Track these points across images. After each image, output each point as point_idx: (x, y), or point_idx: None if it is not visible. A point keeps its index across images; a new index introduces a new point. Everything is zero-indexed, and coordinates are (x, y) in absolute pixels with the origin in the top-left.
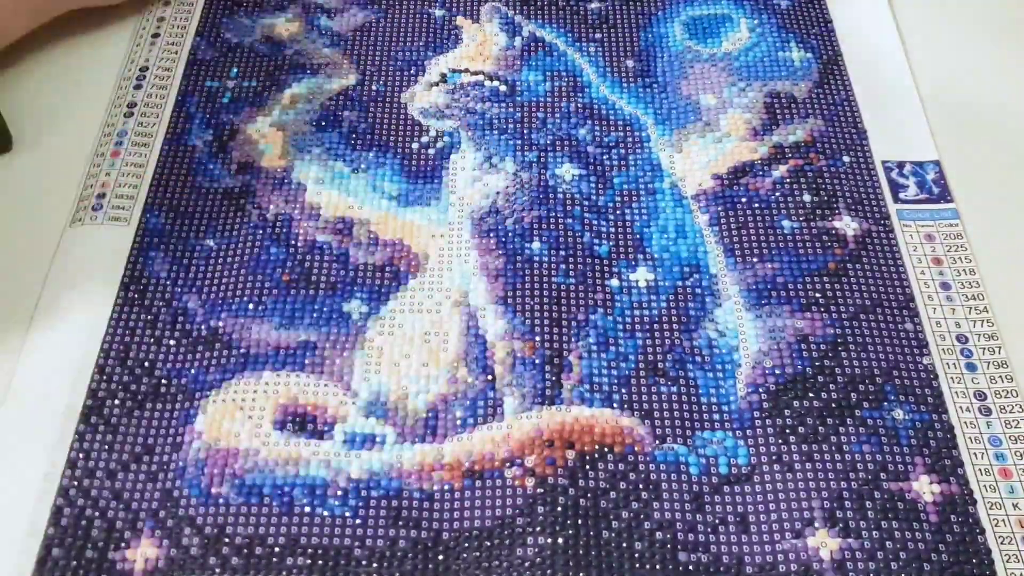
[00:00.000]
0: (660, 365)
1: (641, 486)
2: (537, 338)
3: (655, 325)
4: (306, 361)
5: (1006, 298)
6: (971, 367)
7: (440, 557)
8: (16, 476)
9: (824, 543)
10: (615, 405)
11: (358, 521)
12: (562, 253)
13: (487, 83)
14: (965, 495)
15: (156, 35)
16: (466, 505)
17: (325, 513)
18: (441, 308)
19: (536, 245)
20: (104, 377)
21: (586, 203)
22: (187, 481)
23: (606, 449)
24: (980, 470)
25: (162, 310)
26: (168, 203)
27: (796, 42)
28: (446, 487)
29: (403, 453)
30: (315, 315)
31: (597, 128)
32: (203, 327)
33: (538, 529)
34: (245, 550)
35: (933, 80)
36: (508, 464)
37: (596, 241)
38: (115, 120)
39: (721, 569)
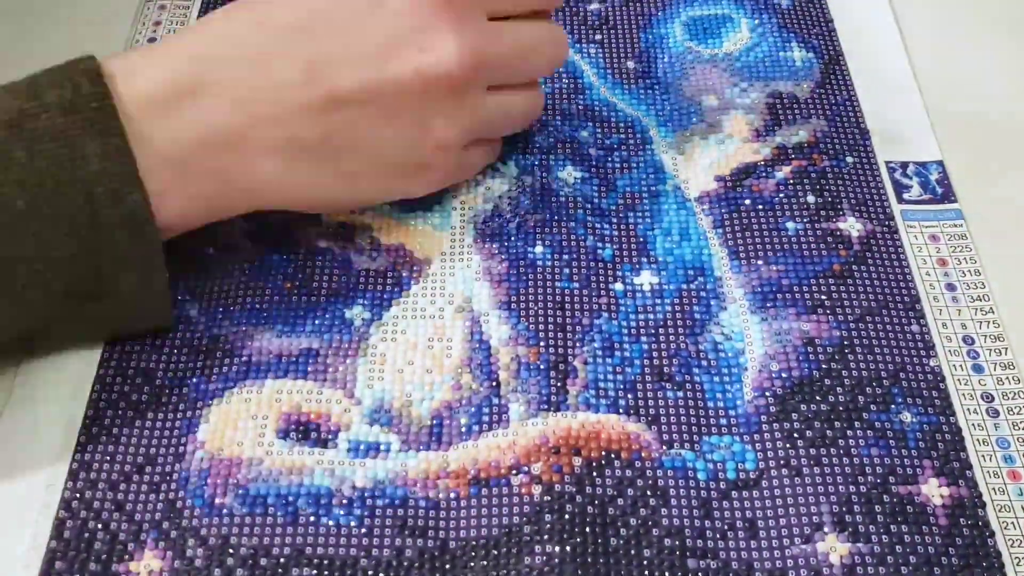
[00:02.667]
0: (666, 370)
1: (649, 492)
2: (541, 343)
3: (660, 329)
4: (308, 368)
5: (1012, 298)
6: (978, 368)
7: (447, 566)
8: (17, 489)
9: (833, 548)
10: (621, 410)
11: (363, 530)
12: (565, 257)
13: None
14: (974, 498)
15: (152, 39)
16: (472, 513)
17: (330, 522)
18: (444, 313)
19: (539, 249)
20: (104, 387)
21: (589, 206)
22: (190, 491)
23: (613, 455)
24: (989, 472)
25: None
26: None
27: (797, 42)
28: (452, 495)
29: (408, 461)
30: (317, 322)
31: (599, 130)
32: (204, 335)
33: (545, 537)
34: (250, 561)
35: (935, 79)
36: (514, 471)
37: (599, 245)
38: None
39: (731, 575)
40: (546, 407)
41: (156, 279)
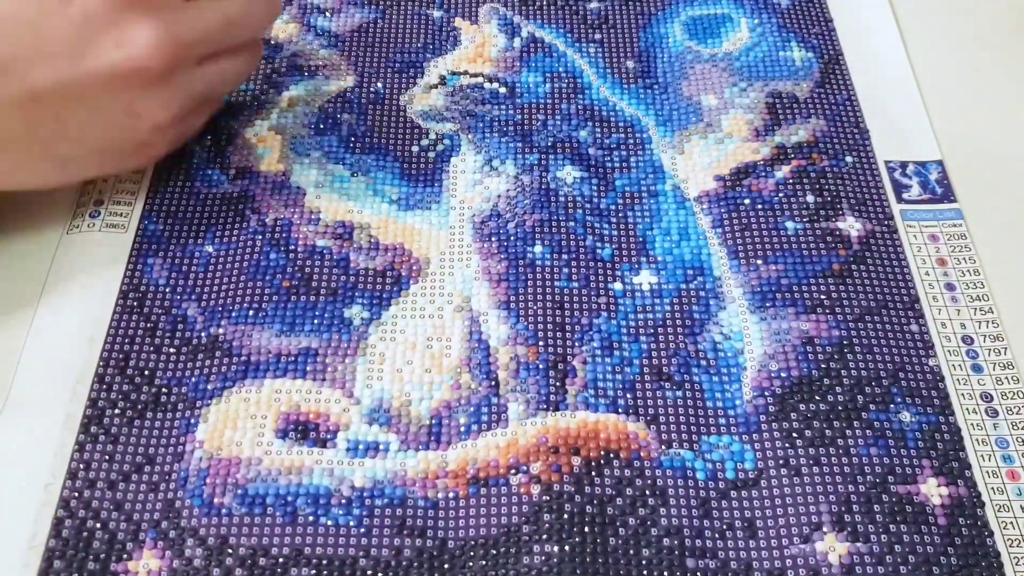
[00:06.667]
0: (665, 369)
1: (648, 492)
2: (540, 343)
3: (659, 329)
4: (307, 368)
5: (1011, 298)
6: (977, 368)
7: (446, 566)
8: (16, 487)
9: (832, 547)
10: (620, 410)
11: (362, 530)
12: (564, 257)
13: (487, 85)
14: (973, 497)
15: None
16: (471, 513)
17: (329, 522)
18: (443, 313)
19: (538, 249)
20: (104, 386)
21: (588, 206)
22: (189, 491)
23: (612, 455)
24: (988, 472)
25: (161, 317)
26: (166, 209)
27: (797, 41)
28: (451, 495)
29: (407, 461)
30: (316, 321)
31: (598, 130)
32: (203, 334)
33: (544, 537)
34: (249, 561)
35: (935, 79)
36: (513, 471)
37: (599, 244)
38: None
39: (729, 575)
40: (545, 407)
41: None
